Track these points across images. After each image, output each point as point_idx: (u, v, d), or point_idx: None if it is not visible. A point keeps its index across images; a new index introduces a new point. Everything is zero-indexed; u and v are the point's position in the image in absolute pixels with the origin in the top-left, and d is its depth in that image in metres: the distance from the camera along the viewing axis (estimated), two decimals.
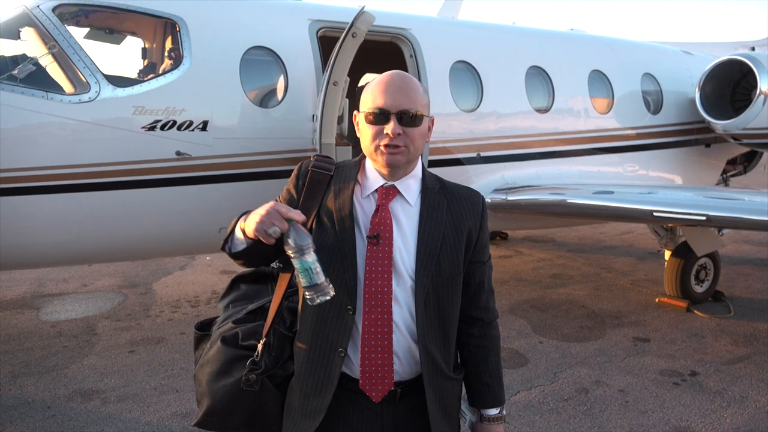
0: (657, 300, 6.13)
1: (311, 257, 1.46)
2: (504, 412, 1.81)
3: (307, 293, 1.48)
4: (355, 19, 4.52)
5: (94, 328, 5.32)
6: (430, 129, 1.67)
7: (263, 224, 1.45)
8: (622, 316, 5.73)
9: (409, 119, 1.57)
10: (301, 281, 1.47)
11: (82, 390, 4.15)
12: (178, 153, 4.28)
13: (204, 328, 1.90)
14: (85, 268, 7.22)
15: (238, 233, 1.59)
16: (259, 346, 1.67)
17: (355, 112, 1.69)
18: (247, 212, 1.59)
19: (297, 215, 1.47)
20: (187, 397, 4.00)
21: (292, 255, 1.46)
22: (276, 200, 1.62)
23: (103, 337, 5.11)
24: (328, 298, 1.48)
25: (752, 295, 6.41)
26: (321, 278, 1.47)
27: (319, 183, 1.66)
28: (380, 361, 1.59)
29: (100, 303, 6.06)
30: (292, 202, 1.65)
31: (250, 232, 1.50)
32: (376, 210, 1.61)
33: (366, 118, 1.60)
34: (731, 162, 8.59)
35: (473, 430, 1.82)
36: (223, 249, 1.65)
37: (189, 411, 3.83)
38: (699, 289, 6.13)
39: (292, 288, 1.75)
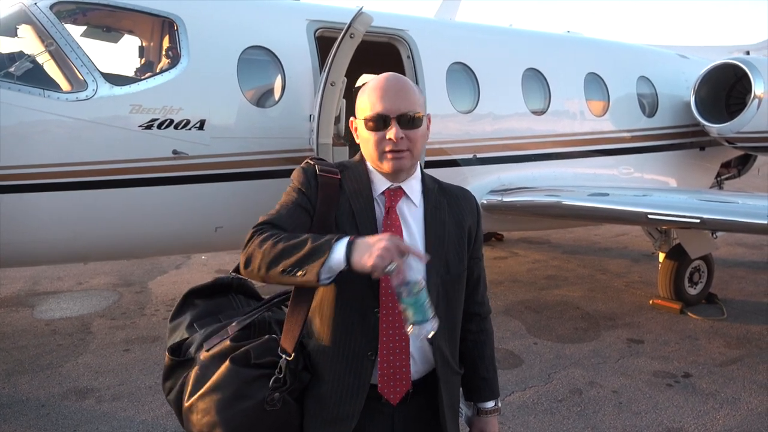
0: (651, 302, 6.16)
1: (425, 292, 1.37)
2: (499, 404, 1.85)
3: (414, 328, 1.38)
4: (353, 19, 4.54)
5: (88, 327, 5.31)
6: (428, 127, 1.67)
7: (383, 260, 1.34)
8: (616, 318, 5.75)
9: (409, 122, 1.57)
10: (410, 316, 1.37)
11: (76, 388, 4.15)
12: (175, 152, 4.27)
13: (176, 353, 1.69)
14: (80, 266, 7.21)
15: (338, 263, 1.41)
16: (282, 363, 1.55)
17: (351, 118, 1.68)
18: (338, 237, 1.44)
19: (418, 253, 1.40)
20: None
21: (405, 293, 1.36)
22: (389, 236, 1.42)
23: (98, 336, 5.10)
24: (436, 329, 1.40)
25: (745, 298, 6.44)
26: (432, 311, 1.38)
27: (332, 187, 1.62)
28: (398, 363, 1.59)
29: (95, 301, 6.05)
30: (307, 205, 1.60)
31: (364, 266, 1.36)
32: (386, 212, 1.61)
33: (366, 124, 1.58)
34: (725, 165, 8.63)
35: (470, 424, 1.85)
36: (291, 278, 1.44)
37: None
38: (692, 291, 6.17)
39: (280, 297, 1.73)
